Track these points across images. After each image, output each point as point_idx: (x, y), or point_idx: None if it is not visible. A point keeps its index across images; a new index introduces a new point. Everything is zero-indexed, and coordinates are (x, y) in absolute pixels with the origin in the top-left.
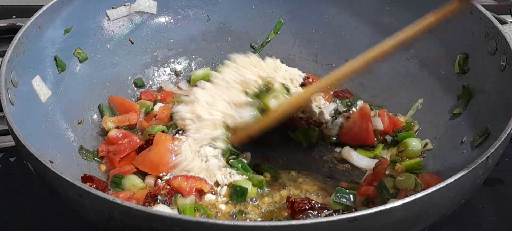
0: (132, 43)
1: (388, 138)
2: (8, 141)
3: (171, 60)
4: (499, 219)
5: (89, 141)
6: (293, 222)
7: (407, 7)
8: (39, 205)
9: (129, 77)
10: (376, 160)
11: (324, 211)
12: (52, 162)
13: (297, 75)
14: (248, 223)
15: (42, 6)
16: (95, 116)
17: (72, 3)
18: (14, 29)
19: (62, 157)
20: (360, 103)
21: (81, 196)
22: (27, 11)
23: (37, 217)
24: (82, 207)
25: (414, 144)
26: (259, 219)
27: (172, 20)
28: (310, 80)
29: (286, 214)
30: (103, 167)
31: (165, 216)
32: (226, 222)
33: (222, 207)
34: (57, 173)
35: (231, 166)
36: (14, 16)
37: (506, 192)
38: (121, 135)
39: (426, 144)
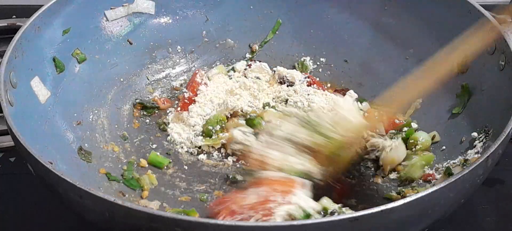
0: (131, 43)
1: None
2: (8, 141)
3: (170, 60)
4: (499, 219)
5: (88, 142)
6: (295, 222)
7: (406, 7)
8: (39, 205)
9: (128, 78)
10: None
11: None
12: (51, 163)
13: (298, 79)
14: (249, 223)
15: (42, 6)
16: (93, 117)
17: (71, 4)
18: (14, 29)
19: (61, 158)
20: (365, 105)
21: (82, 196)
22: (27, 11)
23: (37, 217)
24: (83, 207)
25: (422, 138)
26: None
27: (170, 21)
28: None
29: None
30: (103, 170)
31: (166, 216)
32: (227, 222)
33: None
34: (58, 174)
35: None
36: (14, 16)
37: (506, 192)
38: None
39: (434, 136)
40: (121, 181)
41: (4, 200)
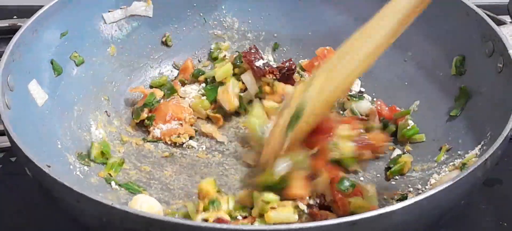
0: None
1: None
2: (7, 141)
3: (168, 63)
4: (498, 219)
5: (85, 145)
6: (293, 225)
7: None
8: (39, 205)
9: (126, 80)
10: None
11: None
12: (49, 166)
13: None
14: (250, 227)
15: (42, 6)
16: (91, 120)
17: (69, 6)
18: (15, 30)
19: (58, 161)
20: (366, 103)
21: (79, 201)
22: (28, 12)
23: (37, 217)
24: (80, 212)
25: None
26: None
27: (168, 23)
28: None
29: None
30: (102, 174)
31: (164, 220)
32: (224, 226)
33: None
34: (55, 178)
35: None
36: (14, 17)
37: (505, 192)
38: None
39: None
40: (122, 184)
41: (4, 200)
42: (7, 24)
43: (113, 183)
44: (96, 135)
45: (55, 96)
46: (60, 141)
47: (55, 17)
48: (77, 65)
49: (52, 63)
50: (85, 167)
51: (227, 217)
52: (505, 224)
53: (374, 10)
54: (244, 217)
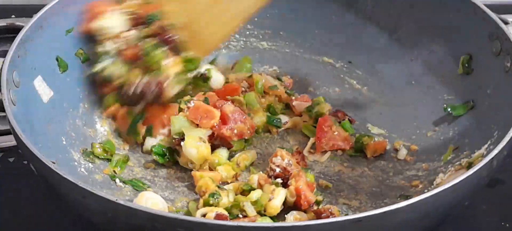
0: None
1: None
2: (7, 141)
3: None
4: (500, 219)
5: (90, 142)
6: (297, 223)
7: (411, 9)
8: (38, 205)
9: None
10: None
11: None
12: (54, 163)
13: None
14: (251, 224)
15: (42, 5)
16: (97, 117)
17: (74, 3)
18: (14, 29)
19: (63, 158)
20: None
21: (85, 197)
22: (27, 11)
23: (37, 217)
24: (86, 208)
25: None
26: None
27: None
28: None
29: None
30: (107, 171)
31: (169, 216)
32: (229, 223)
33: None
34: (60, 174)
35: None
36: (13, 16)
37: (507, 192)
38: None
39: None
40: (126, 181)
41: (3, 200)
42: (5, 24)
43: (117, 180)
44: (101, 131)
45: (60, 93)
46: (65, 137)
47: (60, 14)
48: (82, 62)
49: (57, 59)
50: (90, 164)
51: (225, 213)
52: (507, 224)
53: (380, 6)
54: (244, 216)
